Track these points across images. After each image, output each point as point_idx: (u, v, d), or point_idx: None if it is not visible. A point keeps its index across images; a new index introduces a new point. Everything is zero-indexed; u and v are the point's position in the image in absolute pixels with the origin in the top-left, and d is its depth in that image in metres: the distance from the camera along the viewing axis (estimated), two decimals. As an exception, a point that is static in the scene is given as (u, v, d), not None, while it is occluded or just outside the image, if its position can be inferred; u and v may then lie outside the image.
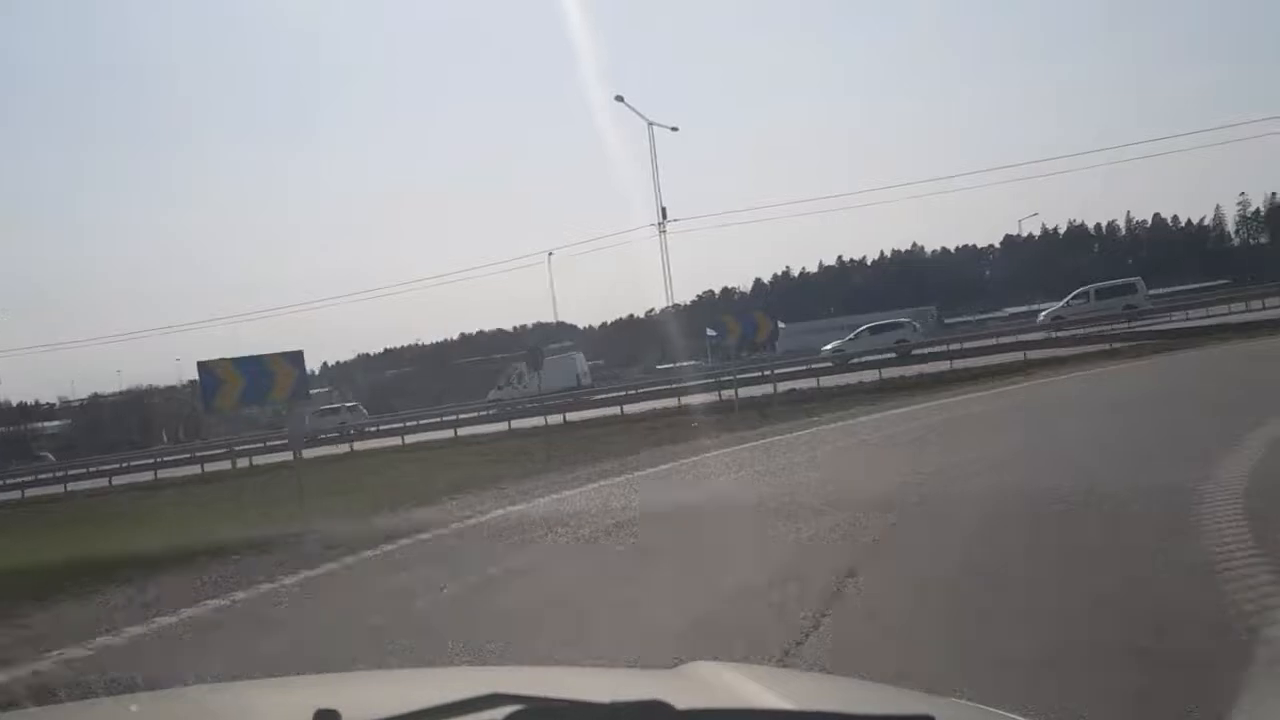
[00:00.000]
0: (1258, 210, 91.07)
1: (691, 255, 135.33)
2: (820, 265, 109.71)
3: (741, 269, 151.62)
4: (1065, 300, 40.06)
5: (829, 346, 38.17)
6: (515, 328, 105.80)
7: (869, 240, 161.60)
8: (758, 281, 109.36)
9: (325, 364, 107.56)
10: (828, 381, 27.96)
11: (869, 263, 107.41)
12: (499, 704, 1.18)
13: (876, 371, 27.95)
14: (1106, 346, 25.01)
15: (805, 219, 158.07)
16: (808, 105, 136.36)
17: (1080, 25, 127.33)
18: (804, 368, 32.13)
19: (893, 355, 31.82)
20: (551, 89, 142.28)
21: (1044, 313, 39.69)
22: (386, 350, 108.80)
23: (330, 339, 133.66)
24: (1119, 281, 39.91)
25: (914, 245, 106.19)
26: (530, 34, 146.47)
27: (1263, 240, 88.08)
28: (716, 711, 1.33)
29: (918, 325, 41.11)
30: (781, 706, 1.48)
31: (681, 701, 1.17)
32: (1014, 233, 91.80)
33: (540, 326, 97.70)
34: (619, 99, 40.04)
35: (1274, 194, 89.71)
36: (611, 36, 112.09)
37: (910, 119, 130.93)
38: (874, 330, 39.16)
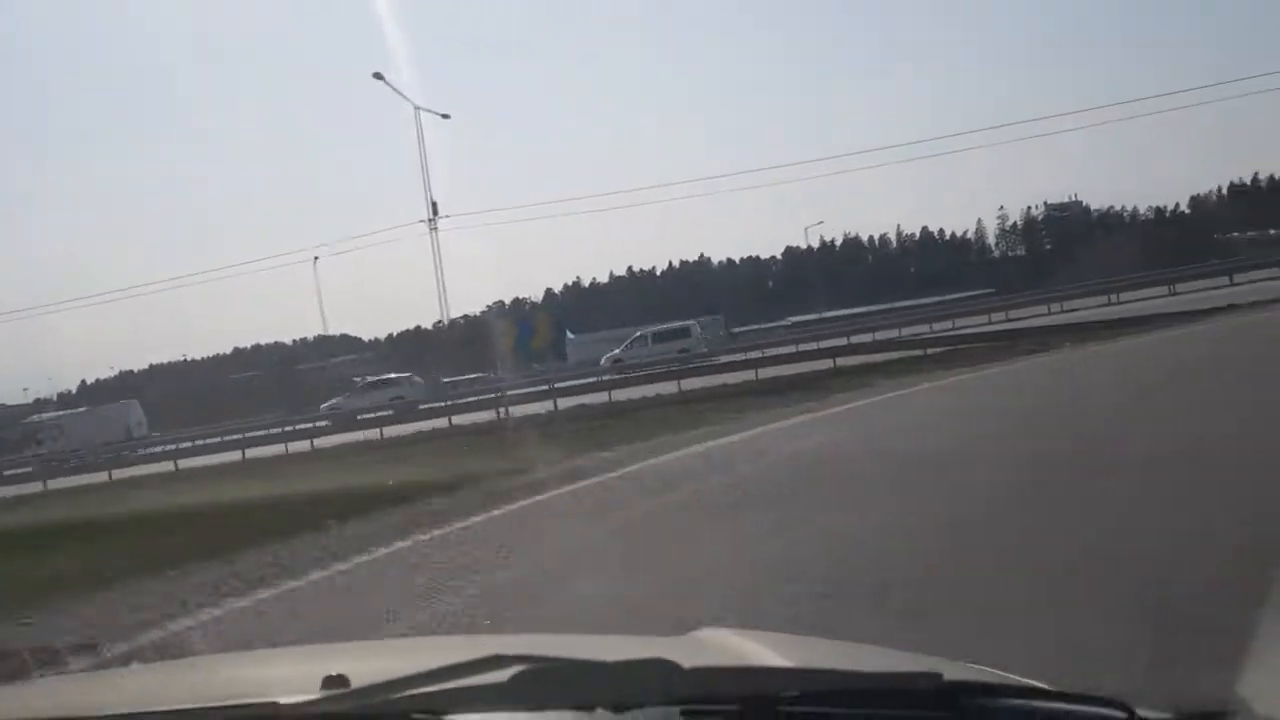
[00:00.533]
0: (1015, 224, 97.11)
1: (484, 264, 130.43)
2: (611, 275, 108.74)
3: (533, 278, 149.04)
4: (626, 343, 40.72)
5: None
6: (295, 341, 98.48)
7: (659, 251, 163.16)
8: (549, 291, 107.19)
9: (84, 381, 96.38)
10: (620, 395, 25.54)
11: (658, 273, 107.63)
12: (503, 665, 1.20)
13: (676, 384, 25.67)
14: (920, 352, 23.43)
15: (599, 225, 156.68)
16: (616, 108, 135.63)
17: (869, 30, 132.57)
18: (594, 380, 29.85)
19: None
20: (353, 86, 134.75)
21: (605, 357, 40.06)
22: (152, 366, 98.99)
23: (86, 351, 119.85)
24: (674, 325, 41.20)
25: (701, 256, 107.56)
26: (320, 24, 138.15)
27: (1020, 252, 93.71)
28: (722, 670, 1.35)
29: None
30: (787, 665, 1.49)
31: (687, 662, 1.19)
32: (795, 244, 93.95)
33: (323, 339, 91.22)
34: (378, 77, 36.28)
35: (1029, 207, 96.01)
36: (412, 28, 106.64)
37: (708, 123, 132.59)
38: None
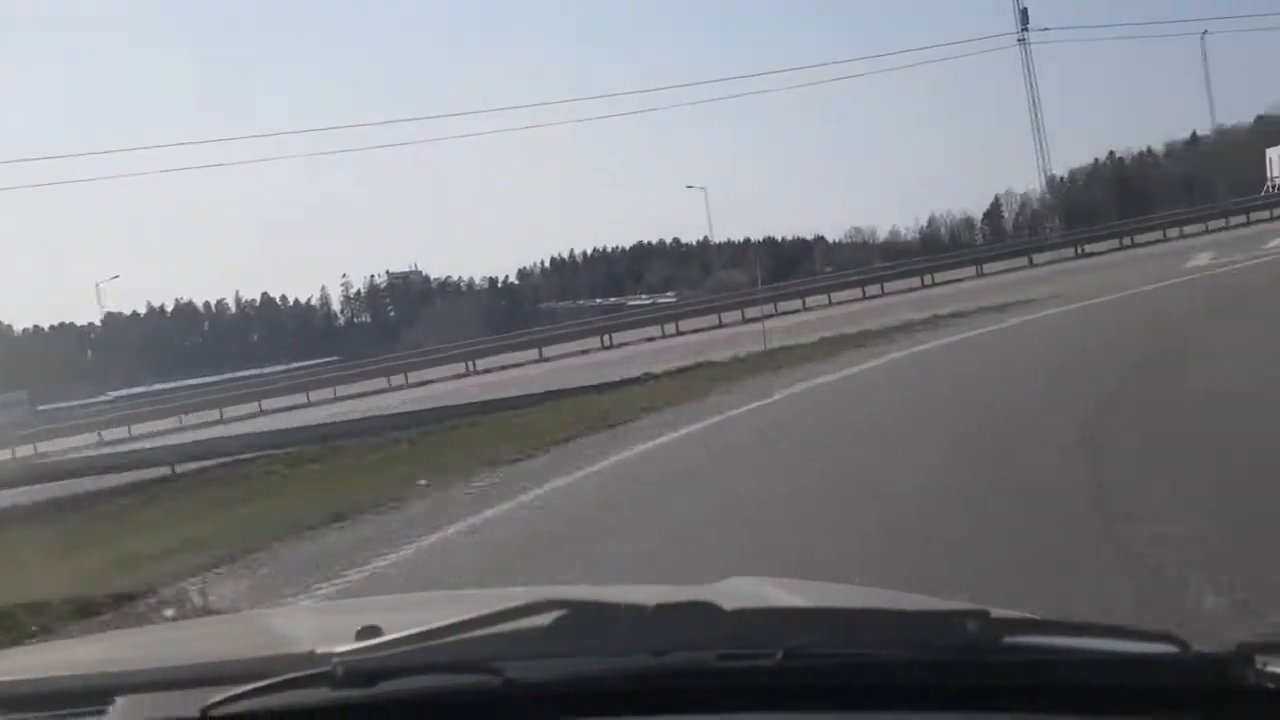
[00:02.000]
0: (359, 291, 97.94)
1: None
2: None
3: None
4: None
5: None
6: None
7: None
8: None
9: None
10: None
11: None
12: (547, 609, 1.19)
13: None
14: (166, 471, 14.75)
15: None
16: None
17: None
18: None
19: None
20: None
21: None
22: None
23: None
24: None
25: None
26: None
27: (366, 319, 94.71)
28: (765, 611, 1.36)
29: None
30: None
31: (727, 605, 1.21)
32: (118, 310, 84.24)
33: None
34: None
35: (372, 276, 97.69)
36: None
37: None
38: None
